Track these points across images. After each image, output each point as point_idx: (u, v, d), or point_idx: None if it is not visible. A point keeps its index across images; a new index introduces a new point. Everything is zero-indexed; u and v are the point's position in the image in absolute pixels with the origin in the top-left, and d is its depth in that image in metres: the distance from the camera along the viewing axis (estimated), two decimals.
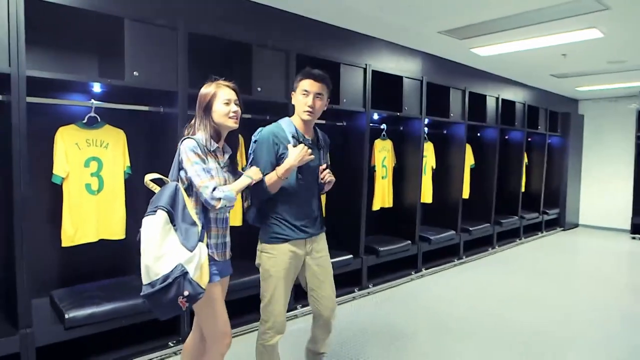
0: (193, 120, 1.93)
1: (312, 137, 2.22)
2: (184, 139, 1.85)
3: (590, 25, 3.70)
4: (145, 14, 2.66)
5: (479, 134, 5.93)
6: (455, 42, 4.29)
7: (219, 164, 1.91)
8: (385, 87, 4.45)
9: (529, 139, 7.06)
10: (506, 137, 6.52)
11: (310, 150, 2.05)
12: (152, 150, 3.06)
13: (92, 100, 2.68)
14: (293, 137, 2.11)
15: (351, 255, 3.91)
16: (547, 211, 7.22)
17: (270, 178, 2.04)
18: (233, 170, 2.01)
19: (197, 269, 1.73)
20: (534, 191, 7.09)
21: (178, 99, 2.77)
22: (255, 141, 2.16)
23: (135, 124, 2.98)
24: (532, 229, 6.92)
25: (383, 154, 4.63)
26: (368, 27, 3.91)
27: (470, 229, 5.42)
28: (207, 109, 1.88)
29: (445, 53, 4.83)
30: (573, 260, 6.02)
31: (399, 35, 4.17)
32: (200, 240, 1.80)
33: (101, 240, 2.82)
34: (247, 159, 2.24)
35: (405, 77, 4.38)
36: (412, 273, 4.62)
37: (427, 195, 5.18)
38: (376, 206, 4.55)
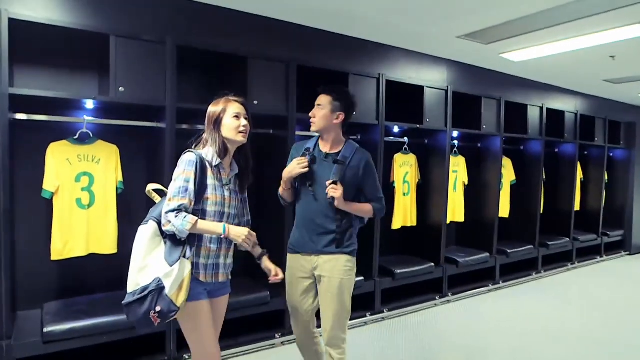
0: (203, 134, 1.90)
1: (334, 151, 2.23)
2: (185, 152, 1.82)
3: (634, 20, 3.22)
4: (132, 29, 2.68)
5: (522, 147, 5.43)
6: (481, 47, 3.95)
7: (220, 180, 1.86)
8: (406, 98, 4.20)
9: (585, 152, 6.37)
10: (556, 150, 5.92)
11: (304, 164, 2.14)
12: (147, 164, 3.07)
13: (84, 117, 2.73)
14: (306, 149, 2.24)
15: (362, 277, 3.65)
16: (608, 233, 6.42)
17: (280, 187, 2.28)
18: (239, 190, 1.96)
19: (174, 285, 1.69)
20: (592, 210, 6.34)
21: (166, 113, 2.75)
22: None
23: (132, 139, 2.99)
24: (589, 253, 6.17)
25: (405, 169, 4.34)
26: (378, 34, 3.69)
27: (508, 251, 4.92)
28: (217, 123, 1.86)
29: (474, 60, 4.48)
30: (638, 290, 5.25)
31: (416, 42, 3.92)
32: (184, 256, 1.75)
33: (101, 254, 2.84)
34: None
35: (427, 86, 4.10)
36: (436, 298, 4.25)
37: (458, 213, 4.79)
38: (396, 225, 4.25)
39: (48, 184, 2.64)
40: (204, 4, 2.95)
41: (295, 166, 2.15)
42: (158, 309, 1.68)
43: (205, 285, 1.84)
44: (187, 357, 2.90)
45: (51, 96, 2.44)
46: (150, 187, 1.93)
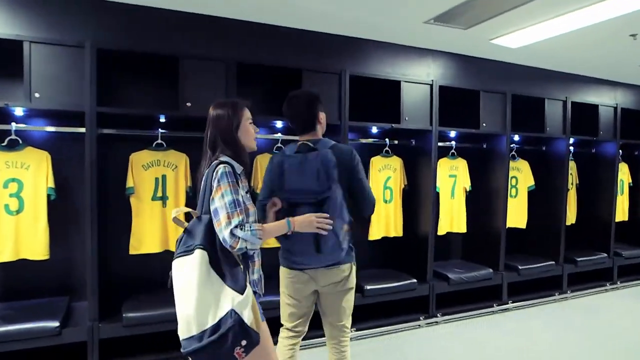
0: (209, 142, 1.77)
1: None
2: (217, 164, 1.68)
3: None
4: (49, 35, 2.68)
5: (543, 148, 4.73)
6: (462, 33, 3.47)
7: (244, 188, 1.79)
8: (384, 96, 3.83)
9: (635, 153, 5.42)
10: (592, 150, 5.08)
11: None
12: (79, 171, 3.03)
13: (13, 124, 2.76)
14: None
15: None
16: None
17: None
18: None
19: (250, 312, 1.57)
20: None
21: (86, 118, 2.70)
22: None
23: (64, 145, 2.98)
24: (638, 271, 5.20)
25: (386, 173, 3.94)
26: (335, 26, 3.38)
27: (520, 267, 4.27)
28: (237, 128, 1.77)
29: (466, 49, 3.97)
30: None
31: (384, 33, 3.54)
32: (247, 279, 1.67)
33: (51, 260, 2.86)
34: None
35: (405, 81, 3.69)
36: (420, 319, 3.77)
37: (457, 222, 4.27)
38: (375, 235, 3.86)
39: None
40: (127, 4, 2.88)
41: None
42: (244, 343, 1.53)
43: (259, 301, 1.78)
44: None
45: None
46: (176, 212, 1.73)
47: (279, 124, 3.42)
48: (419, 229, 3.95)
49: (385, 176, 3.93)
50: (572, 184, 4.93)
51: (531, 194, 4.63)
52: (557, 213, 4.58)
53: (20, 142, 2.81)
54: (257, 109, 3.61)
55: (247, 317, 1.54)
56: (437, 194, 4.10)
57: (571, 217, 4.89)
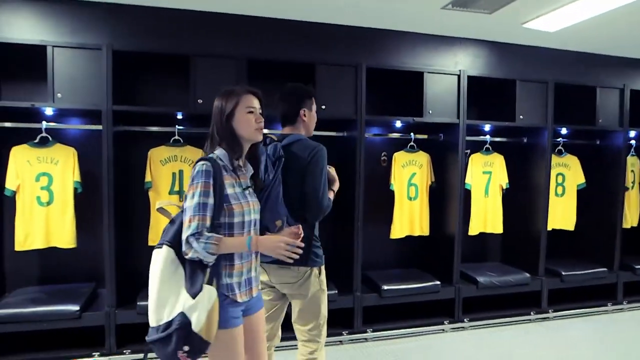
0: (211, 135, 1.71)
1: None
2: (197, 161, 1.62)
3: None
4: (69, 38, 2.88)
5: (598, 142, 4.25)
6: (488, 18, 3.22)
7: (240, 185, 1.69)
8: (407, 88, 3.67)
9: None
10: None
11: None
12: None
13: (43, 122, 3.01)
14: None
15: (335, 291, 3.26)
16: None
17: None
18: (256, 193, 1.78)
19: (201, 318, 1.50)
20: None
21: (102, 116, 2.87)
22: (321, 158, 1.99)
23: (89, 142, 3.17)
24: None
25: (411, 169, 3.77)
26: (350, 16, 3.28)
27: (563, 272, 3.88)
28: (228, 119, 1.65)
29: (498, 36, 3.67)
30: None
31: (402, 21, 3.37)
32: (209, 283, 1.57)
33: (80, 248, 3.09)
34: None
35: (428, 72, 3.50)
36: (445, 323, 3.56)
37: (492, 222, 3.98)
38: (396, 234, 3.71)
39: (9, 183, 2.96)
40: (139, 6, 3.01)
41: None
42: (186, 348, 1.50)
43: (242, 306, 1.68)
44: (126, 352, 2.95)
45: None
46: (160, 204, 1.77)
47: None
48: (447, 228, 3.73)
49: (409, 172, 3.76)
50: (633, 182, 4.39)
51: (582, 193, 4.20)
52: (612, 214, 4.10)
53: (50, 139, 3.05)
54: (268, 105, 3.64)
55: (196, 322, 1.48)
56: (468, 191, 3.86)
57: (631, 220, 4.35)
